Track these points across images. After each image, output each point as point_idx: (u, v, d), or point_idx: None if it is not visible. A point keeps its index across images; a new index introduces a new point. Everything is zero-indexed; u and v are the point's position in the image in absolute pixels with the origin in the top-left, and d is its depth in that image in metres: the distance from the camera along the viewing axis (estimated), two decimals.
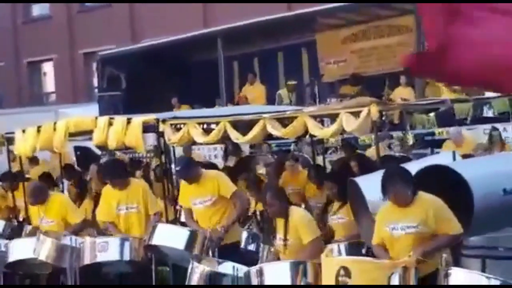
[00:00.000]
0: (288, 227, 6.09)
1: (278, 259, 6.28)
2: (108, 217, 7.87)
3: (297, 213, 6.19)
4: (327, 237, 7.27)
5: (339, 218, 7.37)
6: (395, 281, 5.09)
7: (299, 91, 16.46)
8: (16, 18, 29.14)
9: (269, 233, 6.30)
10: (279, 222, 6.17)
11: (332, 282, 5.16)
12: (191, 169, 7.35)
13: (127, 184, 7.78)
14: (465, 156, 8.18)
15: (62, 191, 10.49)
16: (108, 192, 7.90)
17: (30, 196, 8.43)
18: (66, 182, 11.19)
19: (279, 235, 6.17)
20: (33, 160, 12.67)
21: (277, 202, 6.13)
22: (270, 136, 8.65)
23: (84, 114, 11.62)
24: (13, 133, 9.81)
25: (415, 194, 5.44)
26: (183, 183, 7.58)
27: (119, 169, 8.04)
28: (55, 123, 9.24)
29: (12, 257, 7.89)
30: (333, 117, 7.74)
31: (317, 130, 7.67)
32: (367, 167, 8.28)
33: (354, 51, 16.81)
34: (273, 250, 6.38)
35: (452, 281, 5.09)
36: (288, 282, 5.64)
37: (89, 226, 8.49)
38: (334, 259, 5.74)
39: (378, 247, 5.59)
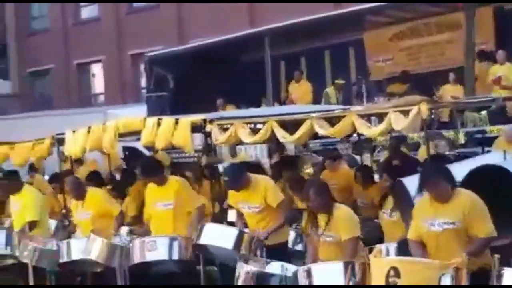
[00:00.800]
0: (330, 223, 6.06)
1: (317, 255, 6.24)
2: (147, 213, 8.06)
3: (341, 210, 6.15)
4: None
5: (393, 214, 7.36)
6: (446, 281, 5.00)
7: (346, 90, 16.37)
8: (66, 20, 29.60)
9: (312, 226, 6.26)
10: (322, 218, 6.15)
11: (382, 283, 5.10)
12: (240, 179, 7.22)
13: (165, 181, 7.87)
14: None
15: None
16: (149, 189, 8.04)
17: (70, 192, 8.60)
18: None
19: (321, 230, 6.14)
20: (78, 161, 12.59)
21: (318, 198, 6.10)
22: (316, 135, 8.60)
23: (132, 115, 11.71)
24: (63, 134, 9.95)
25: (453, 190, 5.38)
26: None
27: (154, 166, 8.08)
28: (104, 124, 9.34)
29: (64, 258, 7.97)
30: (381, 116, 7.67)
31: (365, 129, 7.62)
32: (411, 167, 8.19)
33: (402, 49, 16.63)
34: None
35: (506, 281, 4.98)
36: (337, 282, 5.59)
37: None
38: (383, 260, 5.66)
39: (414, 243, 5.54)
